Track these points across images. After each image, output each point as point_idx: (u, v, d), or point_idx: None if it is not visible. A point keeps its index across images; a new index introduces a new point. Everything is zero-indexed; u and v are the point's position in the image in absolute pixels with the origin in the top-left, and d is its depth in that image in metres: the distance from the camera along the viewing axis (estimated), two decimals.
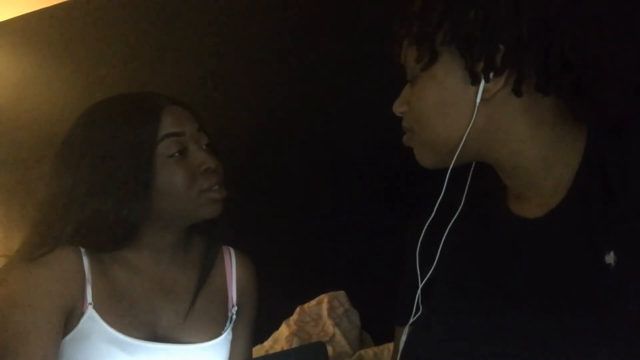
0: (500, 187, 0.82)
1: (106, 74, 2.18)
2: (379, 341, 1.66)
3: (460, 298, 0.78)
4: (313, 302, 1.76)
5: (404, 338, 0.82)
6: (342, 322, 1.69)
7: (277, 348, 1.66)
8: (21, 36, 2.37)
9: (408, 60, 0.77)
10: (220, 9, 1.99)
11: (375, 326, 1.72)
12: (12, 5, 2.29)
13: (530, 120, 0.73)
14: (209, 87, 1.99)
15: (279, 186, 1.89)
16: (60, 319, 0.92)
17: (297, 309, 1.75)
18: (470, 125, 0.73)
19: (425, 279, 0.81)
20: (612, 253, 0.65)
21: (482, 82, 0.71)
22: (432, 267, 0.81)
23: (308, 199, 1.85)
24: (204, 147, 1.00)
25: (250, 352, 1.15)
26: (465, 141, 0.74)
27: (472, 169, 0.85)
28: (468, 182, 0.84)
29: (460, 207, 0.82)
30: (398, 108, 0.81)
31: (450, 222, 0.82)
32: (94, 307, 0.94)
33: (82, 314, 0.93)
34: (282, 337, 1.69)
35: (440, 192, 0.80)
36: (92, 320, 0.93)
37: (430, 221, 0.82)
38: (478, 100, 0.72)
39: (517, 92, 0.71)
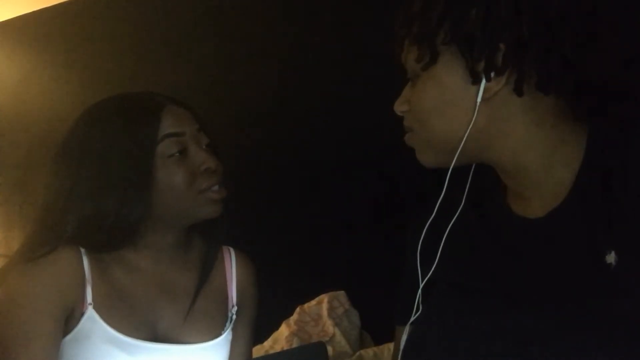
0: (500, 187, 0.82)
1: (106, 74, 2.18)
2: (379, 341, 1.66)
3: (461, 298, 0.78)
4: (313, 302, 1.76)
5: (404, 337, 0.82)
6: (342, 322, 1.69)
7: (277, 348, 1.66)
8: (21, 36, 2.37)
9: (409, 60, 0.77)
10: (220, 8, 1.99)
11: (375, 326, 1.72)
12: (12, 5, 2.29)
13: (531, 119, 0.73)
14: (208, 87, 1.99)
15: (279, 186, 1.89)
16: (60, 320, 0.92)
17: (297, 309, 1.75)
18: (471, 125, 0.73)
19: (426, 279, 0.81)
20: (613, 253, 0.65)
21: (483, 82, 0.71)
22: (433, 267, 0.81)
23: (308, 199, 1.85)
24: (204, 147, 1.00)
25: (250, 352, 1.15)
26: (466, 141, 0.74)
27: (472, 168, 0.85)
28: (469, 182, 0.84)
29: (461, 206, 0.82)
30: (399, 107, 0.81)
31: (450, 222, 0.82)
32: (94, 308, 0.94)
33: (82, 314, 0.93)
34: (282, 337, 1.69)
35: (441, 192, 0.80)
36: (92, 321, 0.93)
37: (431, 221, 0.82)
38: (479, 99, 0.72)
39: (518, 91, 0.71)
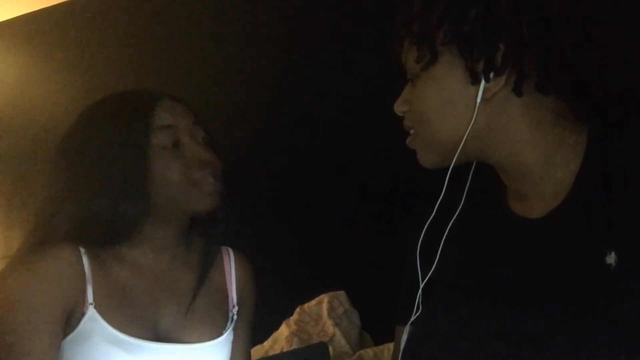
0: (501, 187, 0.82)
1: (106, 74, 2.18)
2: (379, 341, 1.66)
3: (461, 298, 0.78)
4: (313, 302, 1.76)
5: (404, 337, 0.82)
6: (342, 322, 1.69)
7: (277, 348, 1.66)
8: (21, 36, 2.37)
9: (408, 60, 0.77)
10: (220, 8, 1.99)
11: (375, 326, 1.72)
12: (12, 5, 2.29)
13: (530, 120, 0.73)
14: (209, 87, 1.99)
15: (279, 186, 1.89)
16: (61, 320, 0.91)
17: (297, 309, 1.75)
18: (470, 125, 0.73)
19: (426, 279, 0.81)
20: (613, 253, 0.65)
21: (483, 82, 0.71)
22: (433, 267, 0.81)
23: (308, 199, 1.85)
24: (200, 140, 1.00)
25: (249, 353, 1.15)
26: (465, 141, 0.74)
27: (472, 168, 0.85)
28: (468, 182, 0.84)
29: (460, 206, 0.82)
30: (399, 108, 0.81)
31: (450, 221, 0.82)
32: (95, 307, 0.93)
33: (82, 314, 0.93)
34: (282, 337, 1.69)
35: (441, 191, 0.80)
36: (93, 321, 0.92)
37: (432, 221, 0.82)
38: (478, 100, 0.72)
39: (517, 91, 0.71)
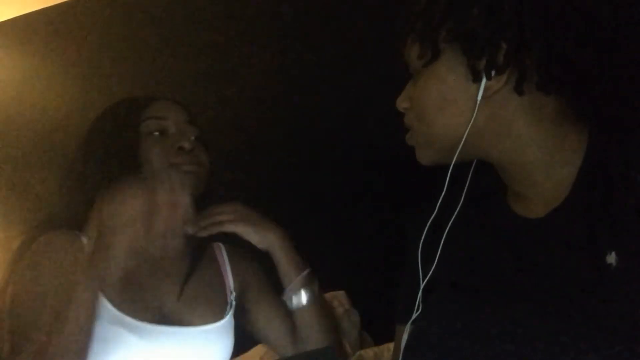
0: (501, 187, 0.82)
1: (106, 74, 2.18)
2: (379, 341, 1.66)
3: (461, 297, 0.78)
4: None
5: (405, 336, 0.82)
6: (342, 322, 1.69)
7: None
8: (21, 36, 2.37)
9: (411, 57, 0.77)
10: (220, 8, 1.99)
11: (375, 326, 1.72)
12: (12, 5, 2.29)
13: (531, 119, 0.73)
14: (209, 87, 1.99)
15: (278, 186, 1.89)
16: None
17: None
18: (470, 123, 0.73)
19: (427, 278, 0.81)
20: (613, 253, 0.65)
21: (484, 80, 0.71)
22: (433, 266, 0.81)
23: (308, 199, 1.85)
24: (192, 138, 1.08)
25: (283, 315, 1.16)
26: (465, 139, 0.74)
27: (472, 168, 0.85)
28: (468, 181, 0.84)
29: (460, 205, 0.82)
30: (401, 104, 0.81)
31: (450, 221, 0.82)
32: (102, 292, 0.96)
33: None
34: None
35: (442, 191, 0.80)
36: (100, 305, 0.95)
37: (433, 220, 0.82)
38: (479, 98, 0.72)
39: (518, 90, 0.71)
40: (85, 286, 0.90)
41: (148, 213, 0.92)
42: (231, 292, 1.15)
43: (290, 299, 1.10)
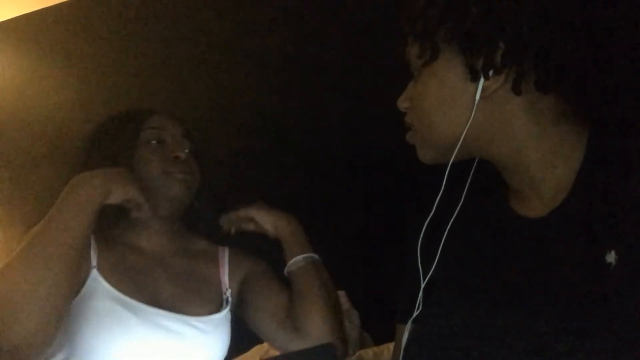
0: (502, 186, 0.82)
1: (106, 74, 2.18)
2: (379, 341, 1.66)
3: (462, 296, 0.78)
4: None
5: (406, 336, 0.82)
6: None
7: None
8: (21, 36, 2.37)
9: (412, 57, 0.78)
10: (220, 8, 1.99)
11: (375, 326, 1.72)
12: (12, 5, 2.29)
13: (530, 118, 0.73)
14: (208, 88, 1.99)
15: (278, 186, 1.89)
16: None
17: None
18: (469, 122, 0.73)
19: (428, 277, 0.81)
20: (613, 252, 0.65)
21: (482, 80, 0.71)
22: (434, 265, 0.81)
23: (308, 199, 1.85)
24: (186, 151, 1.16)
25: (281, 294, 1.19)
26: (465, 138, 0.74)
27: (473, 167, 0.85)
28: (469, 180, 0.85)
29: (460, 204, 0.82)
30: (401, 104, 0.82)
31: (451, 220, 0.82)
32: (98, 270, 1.02)
33: (87, 274, 1.01)
34: None
35: (442, 190, 0.80)
36: (96, 282, 1.01)
37: (433, 219, 0.82)
38: (477, 97, 0.72)
39: (516, 90, 0.71)
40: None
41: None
42: (227, 289, 1.18)
43: (290, 266, 1.15)
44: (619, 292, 0.64)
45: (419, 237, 0.83)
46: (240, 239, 1.24)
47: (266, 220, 1.19)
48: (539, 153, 0.74)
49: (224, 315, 1.14)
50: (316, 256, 1.18)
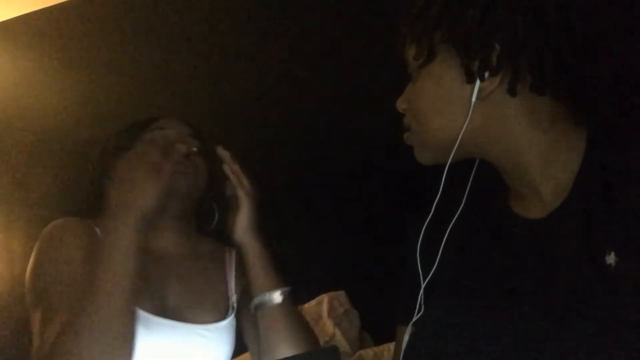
0: (503, 188, 0.82)
1: (106, 74, 2.18)
2: (379, 341, 1.66)
3: (462, 298, 0.78)
4: (313, 302, 1.76)
5: (406, 337, 0.82)
6: (342, 322, 1.69)
7: None
8: (21, 36, 2.37)
9: (409, 58, 0.78)
10: (222, 9, 1.99)
11: (375, 326, 1.72)
12: (12, 5, 2.29)
13: (526, 120, 0.73)
14: (209, 88, 1.99)
15: (278, 186, 1.89)
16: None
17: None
18: (466, 124, 0.73)
19: (428, 279, 0.81)
20: (612, 253, 0.66)
21: (478, 81, 0.71)
22: (434, 267, 0.81)
23: (308, 199, 1.85)
24: (194, 149, 1.14)
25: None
26: (462, 139, 0.75)
27: (474, 169, 0.85)
28: (470, 182, 0.85)
29: (461, 206, 0.82)
30: (400, 105, 0.82)
31: (452, 221, 0.82)
32: None
33: None
34: None
35: (443, 191, 0.80)
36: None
37: (434, 220, 0.82)
38: (473, 99, 0.72)
39: (512, 92, 0.71)
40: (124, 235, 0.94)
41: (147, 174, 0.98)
42: (233, 294, 1.17)
43: (259, 301, 1.07)
44: (619, 293, 0.64)
45: (418, 239, 0.83)
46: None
47: (248, 217, 1.11)
48: (537, 154, 0.74)
49: (229, 322, 1.13)
50: (290, 290, 1.09)
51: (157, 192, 0.98)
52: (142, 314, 1.01)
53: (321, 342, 1.64)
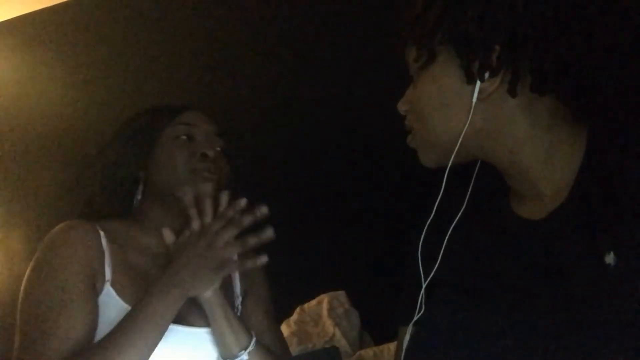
0: (504, 189, 0.82)
1: (106, 74, 2.18)
2: (379, 341, 1.67)
3: (463, 298, 0.78)
4: (313, 302, 1.76)
5: (407, 337, 0.82)
6: (342, 322, 1.69)
7: None
8: (21, 36, 2.37)
9: (410, 60, 0.78)
10: (220, 8, 1.99)
11: (375, 326, 1.72)
12: (12, 5, 2.29)
13: (527, 120, 0.73)
14: (210, 87, 1.99)
15: (278, 186, 1.89)
16: (90, 289, 0.97)
17: (297, 309, 1.75)
18: (467, 125, 0.73)
19: (429, 279, 0.81)
20: (612, 253, 0.66)
21: (478, 82, 0.71)
22: (435, 267, 0.81)
23: (308, 199, 1.85)
24: (217, 149, 1.10)
25: (272, 327, 1.15)
26: (463, 140, 0.75)
27: (476, 170, 0.85)
28: (472, 183, 0.85)
29: (464, 207, 0.82)
30: (401, 107, 0.82)
31: (453, 222, 0.82)
32: (111, 284, 0.99)
33: (101, 289, 0.99)
34: None
35: (445, 191, 0.80)
36: (108, 296, 0.98)
37: (436, 221, 0.82)
38: (474, 99, 0.72)
39: (512, 92, 0.71)
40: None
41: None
42: (237, 297, 1.14)
43: None
44: (618, 293, 0.64)
45: (420, 239, 0.83)
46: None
47: (210, 281, 1.00)
48: (538, 154, 0.74)
49: None
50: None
51: (216, 283, 0.96)
52: None
53: (321, 342, 1.65)
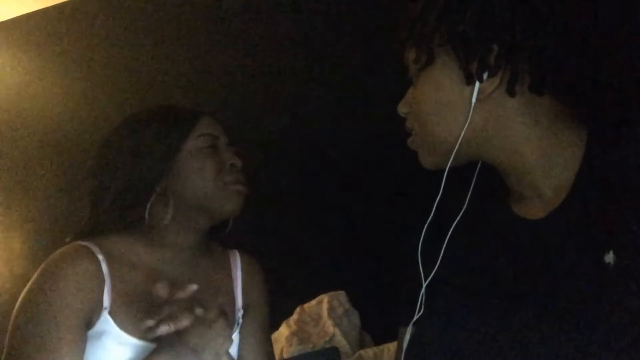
0: (504, 189, 0.82)
1: (106, 74, 2.18)
2: (379, 341, 1.67)
3: (463, 298, 0.78)
4: (313, 302, 1.76)
5: (407, 337, 0.82)
6: (342, 322, 1.69)
7: (277, 348, 1.66)
8: (21, 36, 2.37)
9: (409, 62, 0.78)
10: (220, 9, 1.99)
11: (375, 326, 1.72)
12: (12, 5, 2.30)
13: (526, 120, 0.73)
14: (210, 87, 1.99)
15: (279, 186, 1.89)
16: (84, 321, 0.94)
17: (297, 309, 1.75)
18: (466, 126, 0.74)
19: (429, 279, 0.82)
20: (611, 252, 0.66)
21: (477, 83, 0.72)
22: (435, 267, 0.81)
23: (308, 199, 1.86)
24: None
25: (265, 352, 1.13)
26: (463, 141, 0.75)
27: (477, 170, 0.85)
28: (472, 183, 0.85)
29: (464, 207, 0.83)
30: (401, 109, 0.82)
31: (454, 222, 0.82)
32: (110, 313, 0.95)
33: (99, 317, 0.95)
34: (282, 337, 1.69)
35: (445, 192, 0.80)
36: (106, 324, 0.95)
37: (436, 221, 0.82)
38: (473, 100, 0.72)
39: (510, 92, 0.71)
40: None
41: None
42: (239, 310, 1.10)
43: None
44: (618, 292, 0.64)
45: (420, 240, 0.83)
46: (240, 238, 1.19)
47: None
48: (537, 154, 0.74)
49: (234, 338, 1.05)
50: None
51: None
52: (146, 345, 0.95)
53: (321, 342, 1.65)
